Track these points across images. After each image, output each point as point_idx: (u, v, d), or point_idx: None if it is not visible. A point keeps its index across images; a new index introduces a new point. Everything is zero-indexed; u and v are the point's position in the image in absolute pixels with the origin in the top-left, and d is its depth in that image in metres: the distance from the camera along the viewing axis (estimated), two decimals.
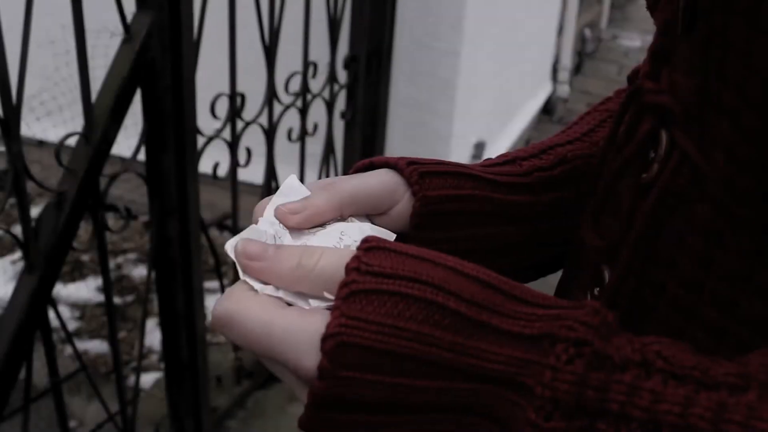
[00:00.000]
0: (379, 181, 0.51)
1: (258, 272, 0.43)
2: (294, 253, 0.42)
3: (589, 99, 4.94)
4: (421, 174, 0.51)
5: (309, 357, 0.39)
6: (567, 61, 4.83)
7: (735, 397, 0.33)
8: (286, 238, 0.47)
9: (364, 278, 0.39)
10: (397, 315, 0.38)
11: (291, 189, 0.49)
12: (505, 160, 0.57)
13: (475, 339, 0.38)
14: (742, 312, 0.40)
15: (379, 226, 0.50)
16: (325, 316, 0.39)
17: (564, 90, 4.84)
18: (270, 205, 0.48)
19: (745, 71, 0.37)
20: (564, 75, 4.83)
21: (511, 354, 0.37)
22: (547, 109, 4.60)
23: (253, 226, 0.47)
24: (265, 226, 0.47)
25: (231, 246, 0.45)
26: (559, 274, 0.58)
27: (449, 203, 0.52)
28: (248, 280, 0.43)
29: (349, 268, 0.39)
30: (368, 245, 0.40)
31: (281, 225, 0.47)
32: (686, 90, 0.42)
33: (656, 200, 0.44)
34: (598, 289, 0.48)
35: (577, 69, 5.41)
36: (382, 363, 0.37)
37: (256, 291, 0.42)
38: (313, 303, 0.42)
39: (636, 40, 6.39)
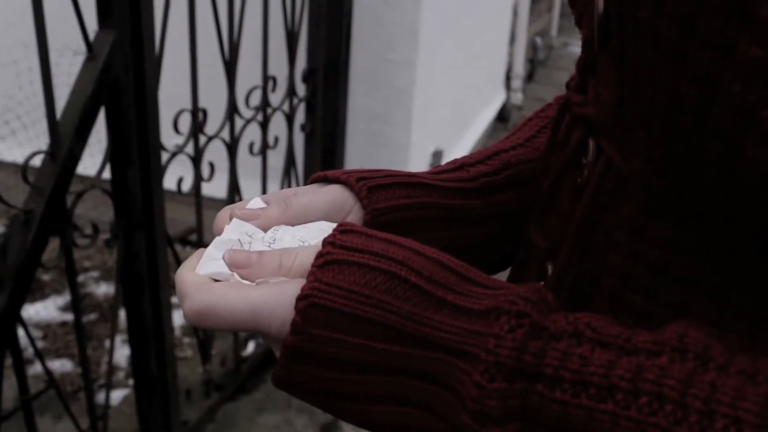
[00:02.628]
0: (327, 200, 0.54)
1: (246, 278, 0.47)
2: (274, 256, 0.47)
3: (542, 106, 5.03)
4: (370, 188, 0.54)
5: (284, 316, 0.44)
6: (519, 69, 4.93)
7: (651, 360, 0.38)
8: (256, 243, 0.50)
9: (337, 250, 0.44)
10: (364, 284, 0.43)
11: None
12: (453, 167, 0.61)
13: (431, 311, 0.43)
14: (662, 297, 0.45)
15: None
16: (300, 283, 0.44)
17: (518, 98, 4.94)
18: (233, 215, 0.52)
19: (652, 84, 0.41)
20: (517, 83, 4.92)
21: (461, 326, 0.42)
22: (502, 116, 4.68)
23: (217, 238, 0.50)
24: (231, 235, 0.50)
25: (206, 267, 0.48)
26: (509, 270, 0.63)
27: (399, 212, 0.55)
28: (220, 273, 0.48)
29: (325, 242, 0.45)
30: (343, 228, 0.46)
31: (247, 232, 0.51)
32: (607, 101, 0.46)
33: (588, 202, 0.48)
34: (542, 283, 0.53)
35: (529, 77, 5.52)
36: (348, 324, 0.43)
37: (218, 281, 0.47)
38: None
39: None
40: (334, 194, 0.54)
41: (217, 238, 0.50)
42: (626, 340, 0.40)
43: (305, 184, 0.58)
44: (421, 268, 0.44)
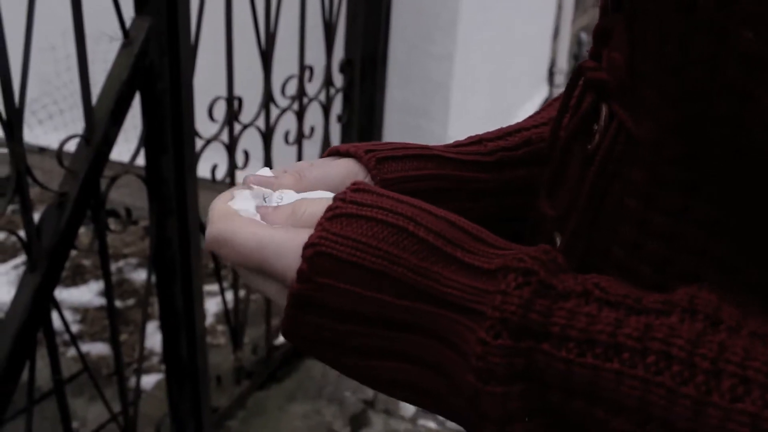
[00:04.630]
0: (339, 172, 0.56)
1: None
2: (287, 207, 0.49)
3: None
4: (378, 160, 0.56)
5: (292, 264, 0.44)
6: (563, 64, 4.87)
7: (660, 319, 0.37)
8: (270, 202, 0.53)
9: (347, 205, 0.45)
10: (372, 236, 0.43)
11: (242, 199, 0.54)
12: (471, 141, 0.62)
13: (439, 266, 0.42)
14: (673, 268, 0.44)
15: None
16: (309, 233, 0.44)
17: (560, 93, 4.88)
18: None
19: (662, 41, 0.40)
20: (560, 78, 4.86)
21: (468, 283, 0.42)
22: None
23: (241, 191, 0.52)
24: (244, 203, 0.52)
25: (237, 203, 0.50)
26: None
27: (409, 183, 0.56)
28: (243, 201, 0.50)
29: (336, 198, 0.45)
30: (355, 186, 0.46)
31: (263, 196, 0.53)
32: (619, 65, 0.46)
33: (599, 168, 0.47)
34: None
35: None
36: (354, 274, 0.43)
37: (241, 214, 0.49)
38: None
39: None
40: (346, 166, 0.56)
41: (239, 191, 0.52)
42: (635, 300, 0.39)
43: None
44: (431, 224, 0.44)
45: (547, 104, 0.67)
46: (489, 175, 0.60)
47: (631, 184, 0.46)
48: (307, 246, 0.43)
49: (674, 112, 0.42)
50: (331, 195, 0.51)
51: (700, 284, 0.40)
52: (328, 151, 0.58)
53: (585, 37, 5.75)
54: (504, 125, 0.66)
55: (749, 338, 0.36)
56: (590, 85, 0.49)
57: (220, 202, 0.50)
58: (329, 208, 0.45)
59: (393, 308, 0.43)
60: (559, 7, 4.61)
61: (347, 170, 0.56)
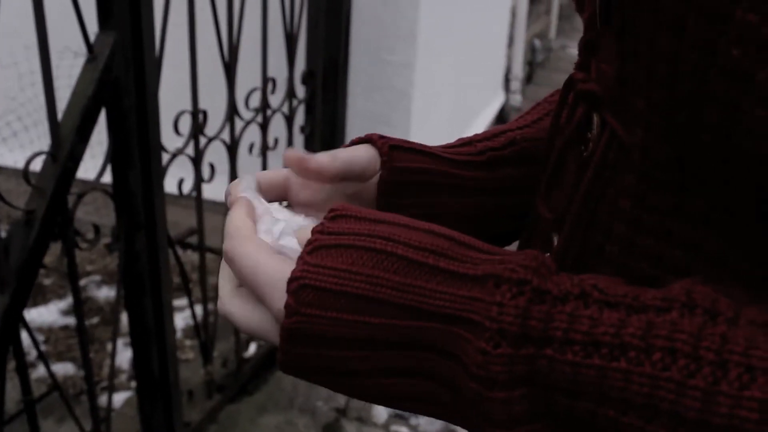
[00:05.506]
0: (365, 152, 0.59)
1: None
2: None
3: None
4: (390, 147, 0.59)
5: (280, 299, 0.45)
6: (518, 71, 4.94)
7: (661, 316, 0.39)
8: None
9: (324, 237, 0.46)
10: (351, 263, 0.44)
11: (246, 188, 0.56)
12: (462, 143, 0.64)
13: (423, 280, 0.43)
14: (666, 263, 0.46)
15: (360, 194, 0.59)
16: (292, 265, 0.46)
17: (516, 99, 4.95)
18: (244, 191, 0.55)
19: (652, 54, 0.43)
20: (516, 85, 4.93)
21: (455, 292, 0.42)
22: (501, 118, 4.69)
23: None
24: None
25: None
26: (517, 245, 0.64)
27: (412, 174, 0.59)
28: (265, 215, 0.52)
29: (314, 231, 0.46)
30: (333, 213, 0.47)
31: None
32: (609, 75, 0.48)
33: (593, 174, 0.50)
34: (548, 254, 0.54)
35: (528, 79, 5.53)
36: (339, 302, 0.44)
37: (257, 230, 0.50)
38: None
39: None
40: (367, 150, 0.59)
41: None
42: (634, 299, 0.40)
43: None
44: (409, 239, 0.45)
45: (531, 108, 0.70)
46: (480, 173, 0.62)
47: (624, 186, 0.47)
48: (291, 280, 0.44)
49: (663, 119, 0.44)
50: (306, 219, 0.53)
51: (695, 278, 0.41)
52: (351, 141, 0.61)
53: (538, 43, 5.85)
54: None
55: (748, 328, 0.38)
56: (581, 96, 0.51)
57: (235, 215, 0.52)
58: (309, 242, 0.46)
59: (384, 329, 0.43)
60: (513, 15, 4.69)
61: (369, 153, 0.58)
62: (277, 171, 0.58)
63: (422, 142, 0.63)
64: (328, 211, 0.48)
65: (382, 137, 0.59)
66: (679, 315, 0.39)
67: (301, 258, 0.45)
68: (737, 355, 0.36)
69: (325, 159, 0.56)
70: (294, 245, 0.49)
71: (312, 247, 0.45)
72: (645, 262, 0.47)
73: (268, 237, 0.50)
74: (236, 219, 0.51)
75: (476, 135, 0.65)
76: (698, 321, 0.38)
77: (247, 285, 0.48)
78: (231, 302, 0.50)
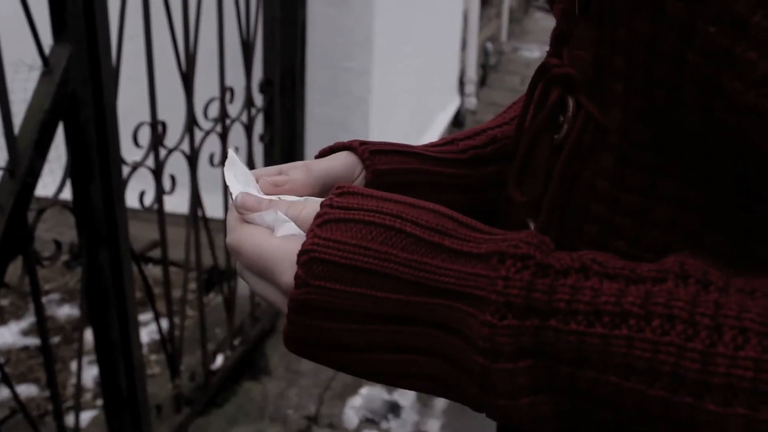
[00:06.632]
0: (341, 162, 0.60)
1: (255, 222, 0.51)
2: (282, 205, 0.50)
3: (496, 109, 5.09)
4: (371, 152, 0.60)
5: (288, 272, 0.46)
6: (472, 74, 4.99)
7: (657, 286, 0.41)
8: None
9: (334, 210, 0.47)
10: (361, 237, 0.45)
11: (234, 162, 0.56)
12: (444, 142, 0.66)
13: (429, 257, 0.45)
14: (644, 241, 0.48)
15: None
16: (302, 240, 0.47)
17: (472, 102, 4.99)
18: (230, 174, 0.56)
19: (631, 37, 0.44)
20: (470, 88, 4.97)
21: (460, 269, 0.44)
22: (457, 121, 4.72)
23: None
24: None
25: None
26: None
27: (396, 176, 0.60)
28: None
29: (323, 204, 0.47)
30: (340, 190, 0.48)
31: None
32: (585, 61, 0.50)
33: (568, 156, 0.51)
34: None
35: (482, 81, 5.58)
36: (347, 275, 0.45)
37: (248, 222, 0.51)
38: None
39: (535, 51, 6.63)
40: (346, 158, 0.60)
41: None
42: (631, 271, 0.42)
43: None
44: (417, 218, 0.46)
45: (508, 107, 0.72)
46: (464, 170, 0.64)
47: (601, 167, 0.49)
48: (302, 253, 0.46)
49: (642, 100, 0.45)
50: (315, 200, 0.53)
51: (687, 252, 0.43)
52: (321, 151, 0.62)
53: (490, 47, 5.91)
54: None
55: (738, 295, 0.40)
56: (556, 80, 0.53)
57: (232, 213, 0.53)
58: (318, 215, 0.47)
59: (390, 303, 0.45)
60: (466, 19, 4.73)
61: (348, 161, 0.60)
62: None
63: None
64: (334, 188, 0.49)
65: (363, 143, 0.61)
66: (674, 285, 0.41)
67: (311, 231, 0.46)
68: (731, 319, 0.38)
69: (300, 176, 0.57)
70: (293, 230, 0.50)
71: (322, 220, 0.46)
72: (623, 241, 0.48)
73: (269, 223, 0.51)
74: (233, 213, 0.53)
75: (458, 134, 0.67)
76: (692, 290, 0.40)
77: (255, 269, 0.50)
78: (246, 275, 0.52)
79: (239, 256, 0.51)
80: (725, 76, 0.39)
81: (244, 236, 0.50)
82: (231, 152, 0.56)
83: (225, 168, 0.55)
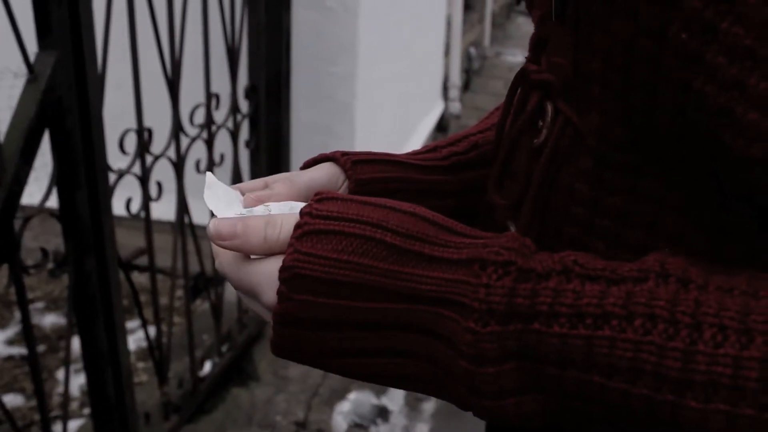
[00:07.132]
0: (324, 173, 0.61)
1: (233, 249, 0.50)
2: (259, 227, 0.49)
3: (480, 114, 5.11)
4: (353, 162, 0.61)
5: (269, 293, 0.47)
6: (456, 79, 5.01)
7: (638, 286, 0.42)
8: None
9: (314, 220, 0.47)
10: (341, 250, 0.45)
11: (214, 183, 0.56)
12: (427, 149, 0.67)
13: (410, 266, 0.45)
14: (624, 241, 0.48)
15: None
16: (280, 259, 0.47)
17: (455, 107, 5.01)
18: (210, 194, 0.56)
19: (607, 41, 0.45)
20: (454, 92, 4.99)
21: (441, 276, 0.45)
22: (441, 126, 4.74)
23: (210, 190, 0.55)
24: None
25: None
26: None
27: (379, 184, 0.61)
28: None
29: (302, 213, 0.47)
30: (319, 196, 0.48)
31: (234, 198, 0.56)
32: (563, 66, 0.51)
33: (547, 160, 0.52)
34: None
35: (466, 86, 5.61)
36: (330, 289, 0.45)
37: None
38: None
39: (518, 55, 6.67)
40: (329, 169, 0.61)
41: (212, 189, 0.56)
42: (612, 272, 0.43)
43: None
44: (397, 225, 0.46)
45: (490, 112, 0.73)
46: (447, 177, 0.65)
47: (580, 170, 0.50)
48: (283, 269, 0.46)
49: (619, 103, 0.46)
50: (298, 205, 0.53)
51: (665, 251, 0.44)
52: (306, 162, 0.62)
53: (473, 51, 5.93)
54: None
55: (717, 293, 0.40)
56: (535, 85, 0.54)
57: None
58: (297, 225, 0.47)
59: (374, 312, 0.45)
60: (449, 25, 4.75)
61: (331, 172, 0.61)
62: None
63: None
64: (314, 194, 0.49)
65: (345, 154, 0.61)
66: (654, 284, 0.41)
67: (290, 245, 0.46)
68: (710, 317, 0.39)
69: (283, 189, 0.58)
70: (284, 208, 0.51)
71: (302, 232, 0.46)
72: (603, 242, 0.49)
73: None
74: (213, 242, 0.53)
75: (440, 141, 0.68)
76: (672, 288, 0.41)
77: (241, 290, 0.51)
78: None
79: (227, 277, 0.52)
80: (696, 80, 0.40)
81: (224, 263, 0.52)
82: (209, 174, 0.56)
83: (205, 193, 0.55)
